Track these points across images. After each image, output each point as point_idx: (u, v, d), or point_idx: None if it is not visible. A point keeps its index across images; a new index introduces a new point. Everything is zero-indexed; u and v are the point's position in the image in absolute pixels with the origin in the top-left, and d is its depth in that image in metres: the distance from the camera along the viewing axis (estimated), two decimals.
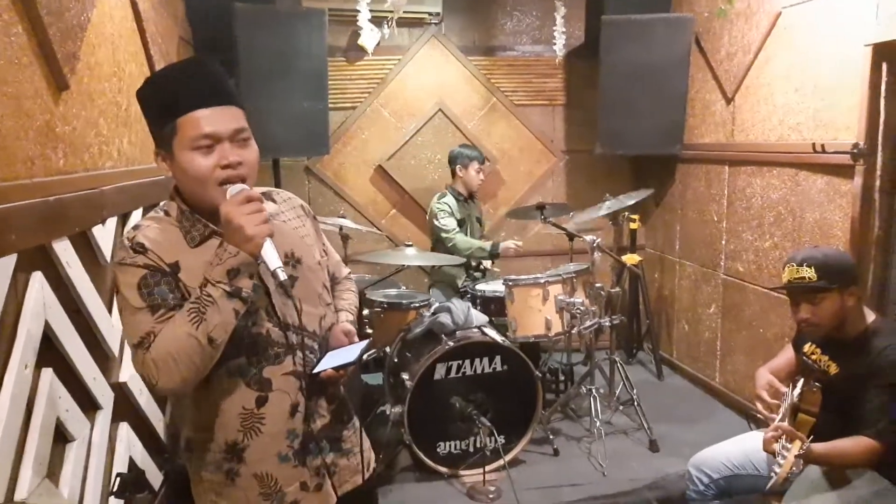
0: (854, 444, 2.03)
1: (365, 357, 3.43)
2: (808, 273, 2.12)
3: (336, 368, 1.50)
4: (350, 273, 1.85)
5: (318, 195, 4.63)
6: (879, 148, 2.78)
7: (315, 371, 1.50)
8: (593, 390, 3.56)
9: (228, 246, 1.33)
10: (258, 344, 1.46)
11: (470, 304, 3.44)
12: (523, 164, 4.93)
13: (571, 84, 4.86)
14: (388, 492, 3.10)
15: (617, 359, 3.78)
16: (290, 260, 1.52)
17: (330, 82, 4.04)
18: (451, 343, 3.16)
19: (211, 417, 1.47)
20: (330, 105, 4.08)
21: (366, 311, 3.43)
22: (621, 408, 3.77)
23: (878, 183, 2.81)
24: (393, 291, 3.85)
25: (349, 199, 4.70)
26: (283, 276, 1.36)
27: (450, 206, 4.15)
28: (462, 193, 4.25)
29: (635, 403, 3.60)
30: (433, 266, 4.23)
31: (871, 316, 2.19)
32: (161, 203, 1.49)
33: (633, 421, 3.68)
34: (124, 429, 2.27)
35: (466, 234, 4.17)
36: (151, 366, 1.31)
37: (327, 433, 1.57)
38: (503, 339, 3.34)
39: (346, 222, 3.71)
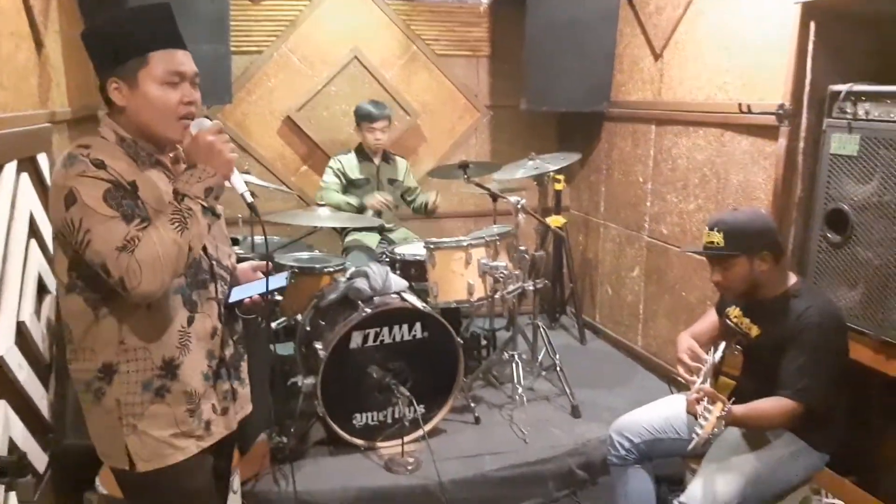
0: (773, 405, 2.17)
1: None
2: (717, 238, 2.23)
3: (262, 295, 1.79)
4: None
5: None
6: (804, 109, 2.91)
7: (232, 300, 1.78)
8: (516, 356, 3.65)
9: (206, 167, 1.58)
10: (193, 268, 1.68)
11: (388, 269, 3.42)
12: (446, 119, 4.90)
13: (496, 34, 4.84)
14: (301, 466, 3.08)
15: (540, 323, 3.88)
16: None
17: (232, 24, 3.88)
18: (369, 310, 3.15)
19: (151, 334, 1.62)
20: (232, 49, 3.93)
21: None
22: (544, 373, 3.88)
23: (801, 145, 2.96)
24: (305, 255, 3.78)
25: (254, 154, 4.55)
26: (249, 198, 1.68)
27: (341, 165, 4.14)
28: (367, 152, 4.20)
29: (558, 369, 3.71)
30: (346, 229, 4.18)
31: (792, 278, 2.33)
32: (97, 132, 1.65)
33: (556, 386, 3.80)
34: (2, 407, 2.15)
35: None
36: (136, 268, 1.46)
37: (232, 361, 1.83)
38: (424, 304, 3.35)
39: (252, 178, 3.60)
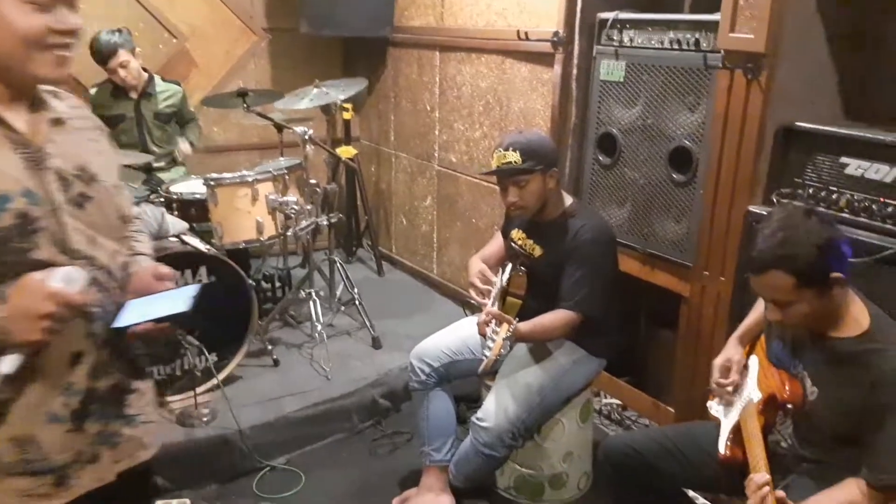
0: (554, 318, 2.37)
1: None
2: (514, 157, 2.35)
3: (157, 321, 1.35)
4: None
5: None
6: (577, 36, 3.10)
7: (120, 324, 1.33)
8: (313, 293, 3.63)
9: (7, 321, 1.15)
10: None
11: (164, 210, 3.21)
12: (219, 44, 4.59)
13: None
14: None
15: (336, 259, 3.88)
16: (83, 175, 1.34)
17: None
18: None
19: None
20: None
21: None
22: (343, 308, 3.91)
23: (575, 72, 3.16)
24: None
25: None
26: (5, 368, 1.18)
27: (93, 100, 3.78)
28: (120, 86, 3.81)
29: (357, 302, 3.76)
30: None
31: (568, 199, 2.52)
32: None
33: (356, 320, 3.85)
34: None
35: (134, 134, 3.85)
36: None
37: (112, 395, 1.41)
38: (208, 247, 3.20)
39: None
